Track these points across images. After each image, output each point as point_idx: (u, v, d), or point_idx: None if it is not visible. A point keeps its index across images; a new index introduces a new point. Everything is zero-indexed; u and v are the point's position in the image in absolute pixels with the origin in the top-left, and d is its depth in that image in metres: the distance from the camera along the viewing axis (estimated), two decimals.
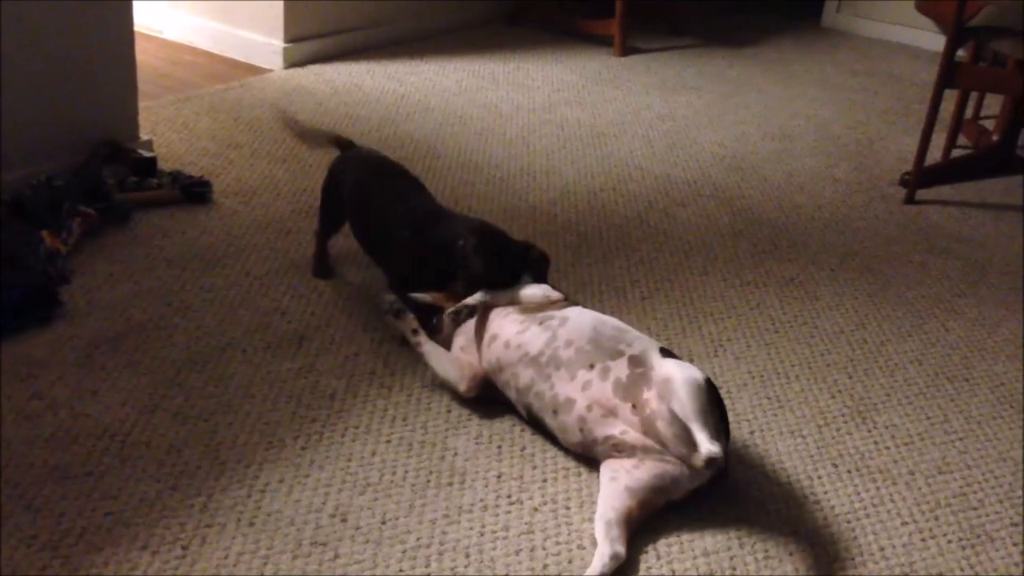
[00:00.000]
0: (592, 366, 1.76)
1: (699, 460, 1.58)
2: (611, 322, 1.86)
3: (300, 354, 2.05)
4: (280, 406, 1.89)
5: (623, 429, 1.71)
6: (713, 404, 1.67)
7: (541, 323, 1.87)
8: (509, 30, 4.64)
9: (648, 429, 1.68)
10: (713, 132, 3.59)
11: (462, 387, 1.92)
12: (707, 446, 1.57)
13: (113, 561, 1.51)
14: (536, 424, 1.86)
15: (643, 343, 1.80)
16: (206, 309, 2.17)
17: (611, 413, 1.73)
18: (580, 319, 1.86)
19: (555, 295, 1.93)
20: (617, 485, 1.66)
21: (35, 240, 2.18)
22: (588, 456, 1.79)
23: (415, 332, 1.96)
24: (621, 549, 1.58)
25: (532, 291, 1.95)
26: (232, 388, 1.92)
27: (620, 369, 1.74)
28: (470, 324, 1.98)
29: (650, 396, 1.69)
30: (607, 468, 1.71)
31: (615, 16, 4.40)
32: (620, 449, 1.70)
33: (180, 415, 1.83)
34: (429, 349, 1.95)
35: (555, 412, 1.79)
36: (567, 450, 1.83)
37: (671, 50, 4.60)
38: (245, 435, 1.80)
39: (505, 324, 1.91)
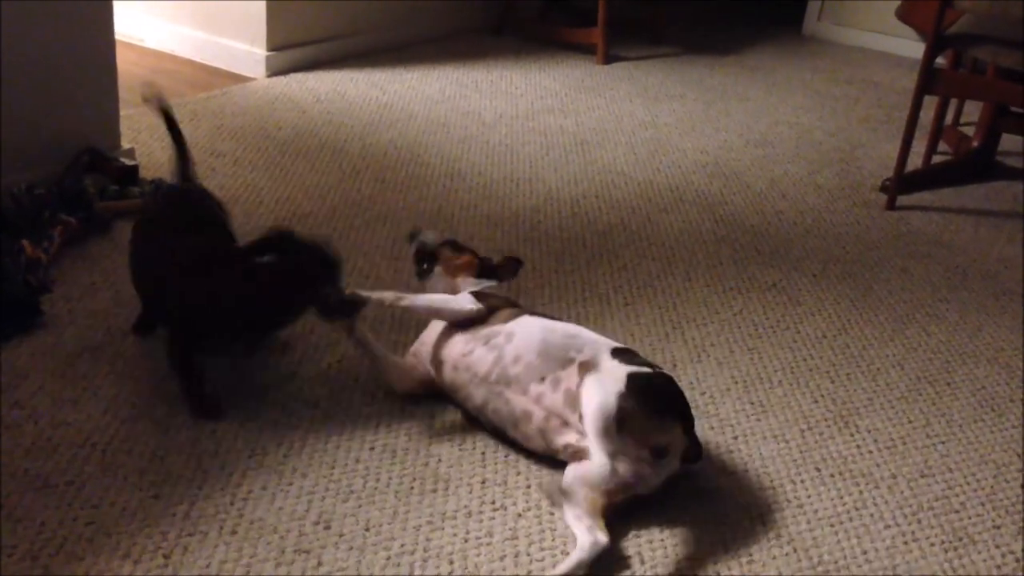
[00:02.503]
0: (543, 379, 1.77)
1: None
2: (560, 329, 1.86)
3: (283, 362, 2.05)
4: (263, 414, 1.88)
5: (577, 437, 1.72)
6: (672, 396, 1.73)
7: (486, 343, 1.85)
8: (492, 39, 4.65)
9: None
10: (695, 139, 3.61)
11: (403, 385, 1.95)
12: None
13: (94, 570, 1.50)
14: (500, 435, 1.86)
15: (594, 347, 1.80)
16: None
17: (565, 423, 1.74)
18: (526, 332, 1.84)
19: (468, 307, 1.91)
20: (576, 483, 1.67)
21: (15, 249, 2.16)
22: (558, 460, 1.79)
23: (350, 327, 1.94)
24: (601, 536, 1.59)
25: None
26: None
27: (570, 379, 1.75)
28: (424, 336, 1.97)
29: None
30: (569, 470, 1.72)
31: (597, 25, 4.41)
32: (579, 455, 1.71)
33: (162, 423, 1.82)
34: (370, 342, 1.95)
35: (515, 425, 1.80)
36: (549, 456, 1.83)
37: (653, 58, 4.62)
38: (228, 443, 1.79)
39: (449, 347, 1.90)
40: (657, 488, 1.70)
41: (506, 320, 1.89)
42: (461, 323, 1.90)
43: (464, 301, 1.92)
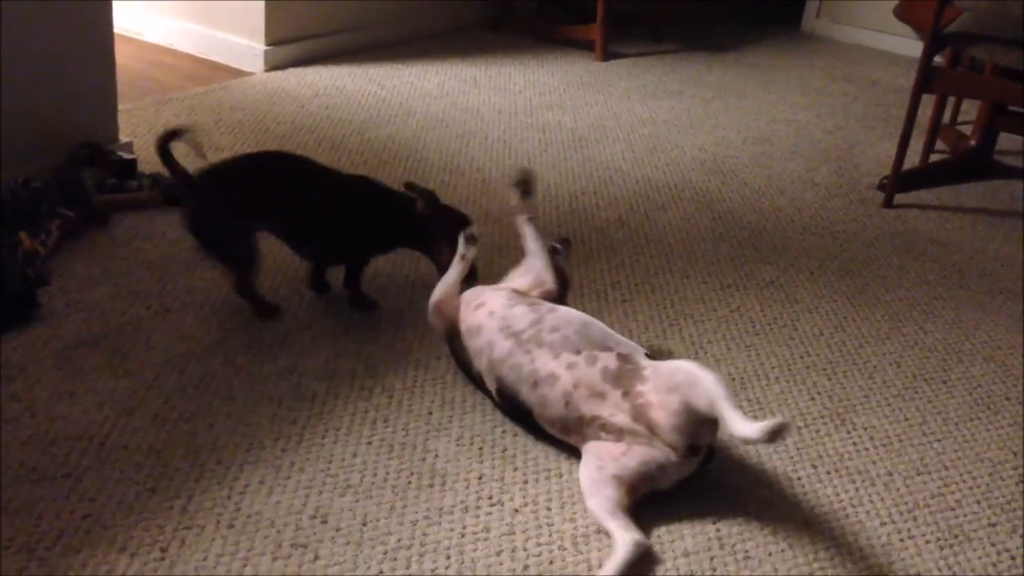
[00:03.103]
0: (578, 352, 1.78)
1: (755, 434, 1.55)
2: (599, 324, 1.89)
3: (281, 356, 2.05)
4: (260, 408, 1.88)
5: (612, 412, 1.72)
6: None
7: (530, 305, 1.90)
8: (491, 35, 4.65)
9: (639, 416, 1.69)
10: (694, 136, 3.61)
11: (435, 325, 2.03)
12: (752, 425, 1.55)
13: (91, 563, 1.50)
14: (505, 399, 1.86)
15: (630, 346, 1.83)
16: (186, 311, 2.16)
17: (599, 396, 1.74)
18: (569, 313, 1.89)
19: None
20: (604, 474, 1.68)
21: (13, 242, 2.16)
22: (565, 435, 1.79)
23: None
24: (639, 536, 1.60)
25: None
26: (212, 390, 1.91)
27: (608, 360, 1.76)
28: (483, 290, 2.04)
29: (645, 389, 1.70)
30: (591, 456, 1.72)
31: (596, 21, 4.41)
32: (608, 430, 1.71)
33: (159, 417, 1.82)
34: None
35: (535, 384, 1.79)
36: (549, 451, 1.83)
37: (652, 55, 4.62)
38: (225, 437, 1.79)
39: (494, 296, 1.95)
40: (671, 486, 1.71)
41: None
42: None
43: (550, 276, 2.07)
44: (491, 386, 1.89)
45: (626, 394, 1.72)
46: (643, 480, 1.68)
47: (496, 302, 1.93)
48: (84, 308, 2.12)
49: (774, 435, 1.53)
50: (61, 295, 2.16)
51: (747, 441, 1.62)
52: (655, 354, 1.88)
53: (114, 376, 1.92)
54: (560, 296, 2.05)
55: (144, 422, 1.80)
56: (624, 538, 1.59)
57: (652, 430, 1.68)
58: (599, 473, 1.69)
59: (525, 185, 2.16)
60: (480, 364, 1.90)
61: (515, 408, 1.86)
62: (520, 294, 1.98)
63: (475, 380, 1.96)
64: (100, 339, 2.02)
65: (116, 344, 2.01)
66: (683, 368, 1.71)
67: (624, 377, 1.74)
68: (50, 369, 1.92)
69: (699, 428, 1.68)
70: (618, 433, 1.71)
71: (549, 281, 2.04)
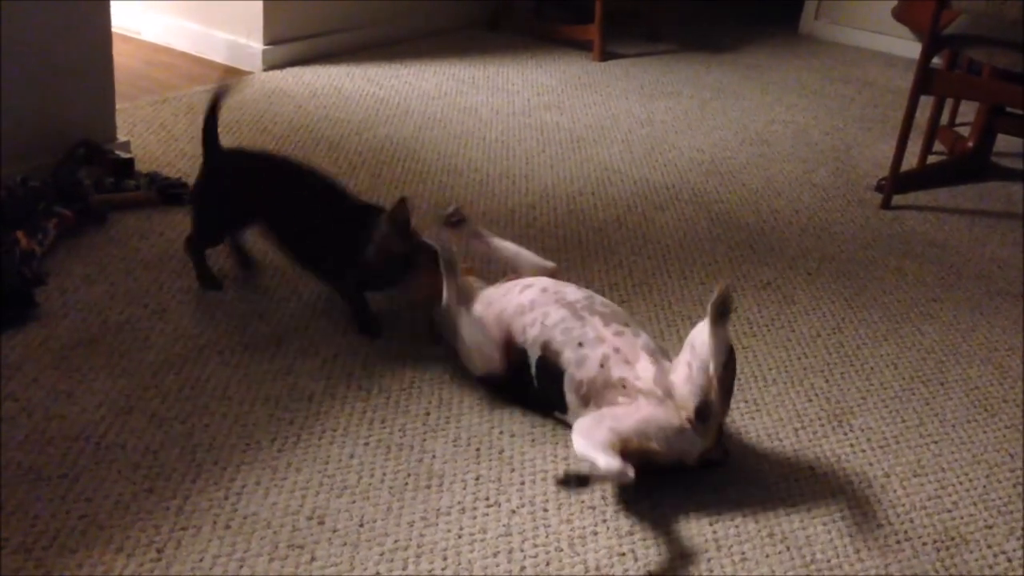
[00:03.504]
0: (627, 324, 1.88)
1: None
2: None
3: (278, 356, 2.04)
4: (257, 408, 1.88)
5: (637, 376, 1.77)
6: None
7: (577, 287, 1.99)
8: (489, 35, 4.64)
9: (660, 381, 1.75)
10: (691, 137, 3.61)
11: (494, 366, 1.96)
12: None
13: (87, 564, 1.49)
14: (547, 364, 1.86)
15: (647, 339, 1.90)
16: (183, 311, 2.16)
17: (632, 362, 1.80)
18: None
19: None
20: (601, 424, 1.71)
21: (10, 241, 2.16)
22: (583, 404, 1.81)
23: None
24: (629, 469, 1.61)
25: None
26: (209, 390, 1.91)
27: (648, 340, 1.86)
28: (486, 297, 2.04)
29: (674, 361, 1.79)
30: (594, 412, 1.76)
31: (594, 21, 4.41)
32: (627, 394, 1.76)
33: (156, 417, 1.82)
34: (465, 319, 1.98)
35: (580, 344, 1.84)
36: (546, 452, 1.83)
37: (649, 55, 4.62)
38: (222, 437, 1.79)
39: (539, 280, 2.03)
40: (665, 458, 1.71)
41: None
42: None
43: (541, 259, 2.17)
44: (534, 355, 1.89)
45: (656, 362, 1.79)
46: (638, 436, 1.69)
47: (545, 281, 2.02)
48: (81, 307, 2.12)
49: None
50: (58, 294, 2.15)
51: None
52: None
53: (111, 376, 1.91)
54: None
55: (141, 422, 1.80)
56: (609, 461, 1.61)
57: (669, 393, 1.73)
58: (595, 422, 1.72)
59: (453, 218, 2.17)
60: (528, 336, 1.91)
61: (549, 374, 1.87)
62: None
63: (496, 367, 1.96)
64: (97, 339, 2.02)
65: (113, 344, 2.01)
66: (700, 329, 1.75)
67: (659, 352, 1.84)
68: (47, 368, 1.91)
69: (709, 388, 1.69)
70: (635, 395, 1.75)
71: (546, 263, 2.17)
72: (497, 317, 1.96)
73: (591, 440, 1.68)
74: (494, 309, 1.99)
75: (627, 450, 1.67)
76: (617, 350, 1.82)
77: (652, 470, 1.71)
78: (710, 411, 1.71)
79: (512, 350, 1.93)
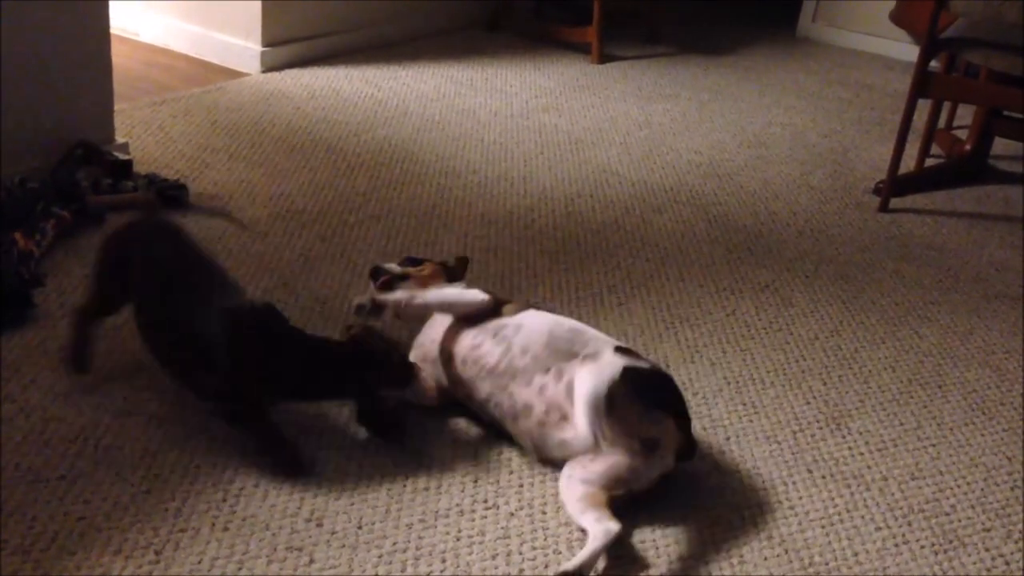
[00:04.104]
0: (548, 370, 1.78)
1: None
2: (567, 324, 1.87)
3: None
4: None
5: (574, 433, 1.73)
6: (664, 390, 1.76)
7: (495, 335, 1.86)
8: (487, 36, 4.64)
9: (595, 424, 1.69)
10: (689, 139, 3.61)
11: (429, 401, 1.93)
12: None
13: (85, 566, 1.49)
14: (502, 431, 1.86)
15: (598, 343, 1.82)
16: None
17: (564, 417, 1.75)
18: (534, 324, 1.86)
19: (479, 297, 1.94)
20: (573, 481, 1.69)
21: (8, 242, 2.16)
22: (549, 463, 1.79)
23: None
24: (612, 525, 1.60)
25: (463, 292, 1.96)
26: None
27: (572, 371, 1.76)
28: (423, 338, 1.97)
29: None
30: (564, 470, 1.73)
31: (592, 24, 4.41)
32: (574, 451, 1.73)
33: (155, 419, 1.82)
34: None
35: (515, 419, 1.80)
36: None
37: (648, 58, 4.62)
38: (220, 439, 1.79)
39: (458, 342, 1.89)
40: (651, 484, 1.71)
41: (513, 313, 1.90)
42: (471, 317, 1.91)
43: (475, 293, 1.94)
44: (487, 420, 1.88)
45: (588, 404, 1.71)
46: (612, 482, 1.68)
47: (462, 346, 1.87)
48: None
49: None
50: (56, 295, 2.15)
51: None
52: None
53: (109, 378, 1.91)
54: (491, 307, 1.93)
55: (139, 424, 1.80)
56: (596, 529, 1.60)
57: (606, 436, 1.69)
58: (568, 482, 1.70)
59: (366, 310, 1.91)
60: (472, 407, 1.90)
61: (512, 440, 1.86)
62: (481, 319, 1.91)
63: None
64: (95, 340, 2.01)
65: (111, 345, 2.01)
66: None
67: (595, 366, 1.74)
68: (45, 370, 1.91)
69: (638, 426, 1.67)
70: (583, 450, 1.72)
71: (481, 295, 1.94)
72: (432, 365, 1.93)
73: (572, 501, 1.67)
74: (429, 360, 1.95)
75: (608, 494, 1.67)
76: (547, 411, 1.76)
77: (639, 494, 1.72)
78: (657, 441, 1.69)
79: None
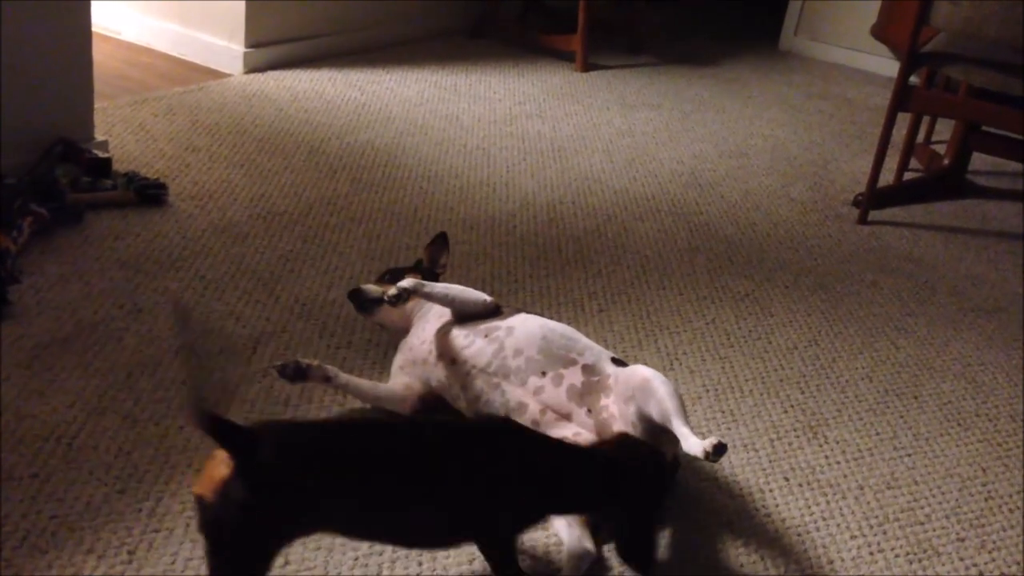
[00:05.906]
0: (544, 374, 1.78)
1: (699, 452, 1.56)
2: (559, 329, 1.86)
3: (255, 359, 2.03)
4: (232, 411, 1.86)
5: (576, 431, 1.72)
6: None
7: (487, 336, 1.85)
8: (471, 43, 4.65)
9: (601, 431, 1.70)
10: (672, 149, 3.62)
11: (404, 410, 1.90)
12: (698, 441, 1.58)
13: (57, 565, 1.48)
14: None
15: (595, 352, 1.82)
16: (158, 312, 2.14)
17: (564, 417, 1.74)
18: (527, 328, 1.84)
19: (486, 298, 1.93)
20: None
21: None
22: None
23: (328, 379, 1.83)
24: (590, 546, 1.60)
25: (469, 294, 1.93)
26: (183, 391, 1.89)
27: (574, 377, 1.76)
28: (411, 340, 1.96)
29: (608, 402, 1.71)
30: None
31: (577, 32, 4.43)
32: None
33: (130, 418, 1.80)
34: (355, 385, 1.87)
35: (507, 416, 1.79)
36: None
37: (631, 68, 4.64)
38: (196, 439, 1.77)
39: (449, 341, 1.88)
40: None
41: (504, 316, 1.89)
42: (465, 317, 1.90)
43: (477, 292, 1.92)
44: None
45: (590, 411, 1.73)
46: None
47: (453, 345, 1.86)
48: (55, 307, 2.10)
49: (715, 454, 1.55)
50: (32, 293, 2.13)
51: (692, 455, 1.60)
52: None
53: (84, 376, 1.90)
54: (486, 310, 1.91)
55: (114, 423, 1.78)
56: (575, 548, 1.60)
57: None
58: None
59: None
60: (460, 407, 1.87)
61: None
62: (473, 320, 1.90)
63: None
64: (71, 338, 2.00)
65: (87, 343, 1.99)
66: (640, 376, 1.72)
67: (589, 393, 1.75)
68: (19, 367, 1.89)
69: (658, 438, 1.68)
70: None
71: (483, 296, 1.93)
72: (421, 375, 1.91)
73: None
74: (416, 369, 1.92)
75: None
76: (543, 410, 1.76)
77: None
78: (663, 454, 1.69)
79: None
